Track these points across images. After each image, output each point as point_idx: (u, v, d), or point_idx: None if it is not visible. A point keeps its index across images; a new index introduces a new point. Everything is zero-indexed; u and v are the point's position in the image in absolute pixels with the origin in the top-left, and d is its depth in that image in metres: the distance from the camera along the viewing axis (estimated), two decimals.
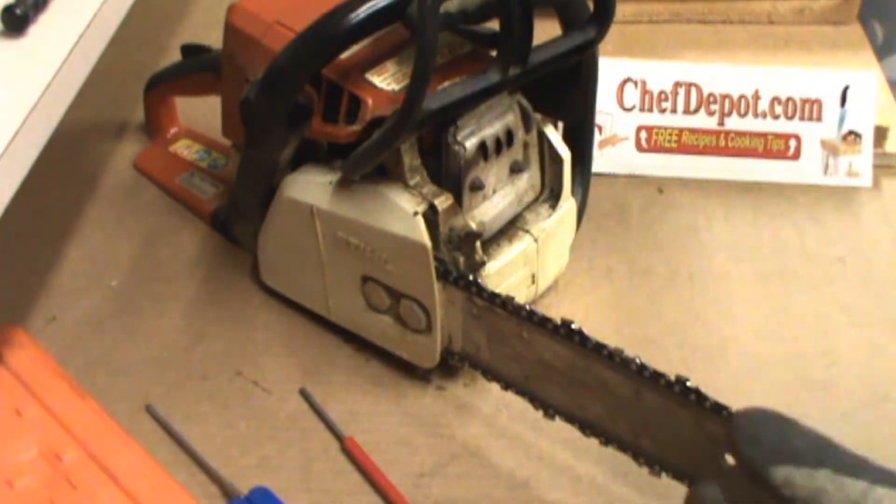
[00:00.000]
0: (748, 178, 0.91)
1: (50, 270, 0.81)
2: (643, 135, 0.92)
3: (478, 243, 0.66)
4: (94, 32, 0.70)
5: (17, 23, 0.66)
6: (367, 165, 0.64)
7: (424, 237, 0.63)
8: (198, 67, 0.87)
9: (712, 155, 0.92)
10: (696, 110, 0.92)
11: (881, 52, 1.09)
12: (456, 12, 0.63)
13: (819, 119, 0.91)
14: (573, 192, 0.74)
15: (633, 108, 0.92)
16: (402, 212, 0.64)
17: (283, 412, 0.69)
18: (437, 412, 0.69)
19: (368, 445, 0.66)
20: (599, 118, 0.83)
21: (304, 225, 0.69)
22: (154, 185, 0.90)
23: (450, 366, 0.70)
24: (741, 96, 0.92)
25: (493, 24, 0.65)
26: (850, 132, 0.91)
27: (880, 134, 0.91)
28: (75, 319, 0.76)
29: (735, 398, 0.54)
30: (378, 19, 0.62)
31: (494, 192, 0.68)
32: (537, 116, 0.70)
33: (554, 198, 0.72)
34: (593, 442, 0.62)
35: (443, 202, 0.64)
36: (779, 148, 0.91)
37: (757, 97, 0.91)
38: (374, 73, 0.65)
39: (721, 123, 0.92)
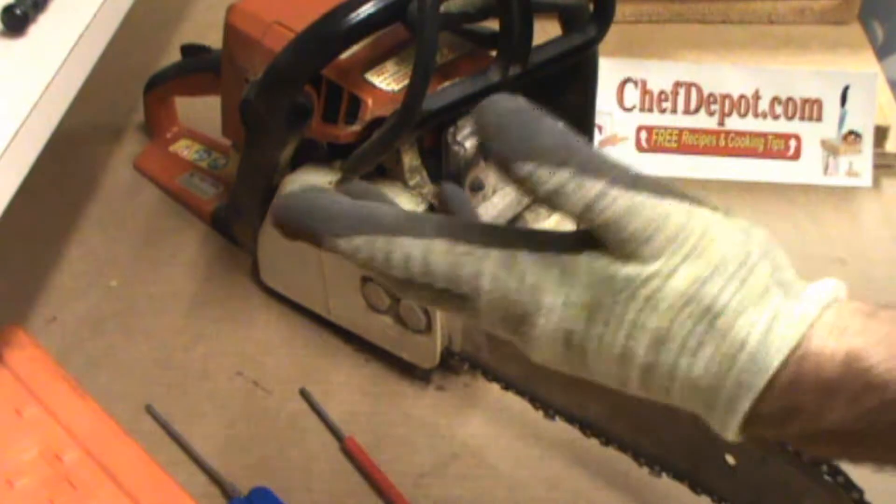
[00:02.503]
0: (748, 178, 0.91)
1: (50, 270, 0.81)
2: (643, 135, 0.92)
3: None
4: (94, 32, 0.70)
5: (17, 23, 0.66)
6: (367, 166, 0.64)
7: None
8: (198, 67, 0.87)
9: (712, 155, 0.92)
10: (696, 110, 0.92)
11: (881, 52, 1.08)
12: (456, 12, 0.63)
13: (819, 119, 0.91)
14: None
15: (633, 108, 0.92)
16: None
17: (283, 412, 0.69)
18: (437, 412, 0.69)
19: (368, 445, 0.66)
20: (599, 118, 0.83)
21: None
22: (154, 185, 0.90)
23: (450, 366, 0.70)
24: (741, 96, 0.91)
25: (493, 24, 0.65)
26: (850, 132, 0.91)
27: (880, 134, 0.91)
28: (75, 319, 0.76)
29: None
30: (378, 19, 0.62)
31: (494, 192, 0.68)
32: None
33: None
34: (593, 442, 0.62)
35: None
36: (779, 148, 0.91)
37: (757, 97, 0.91)
38: (374, 73, 0.65)
39: (721, 123, 0.92)
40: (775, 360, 0.36)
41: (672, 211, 0.39)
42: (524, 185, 0.38)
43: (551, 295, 0.39)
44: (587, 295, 0.38)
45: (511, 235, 0.40)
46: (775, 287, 0.39)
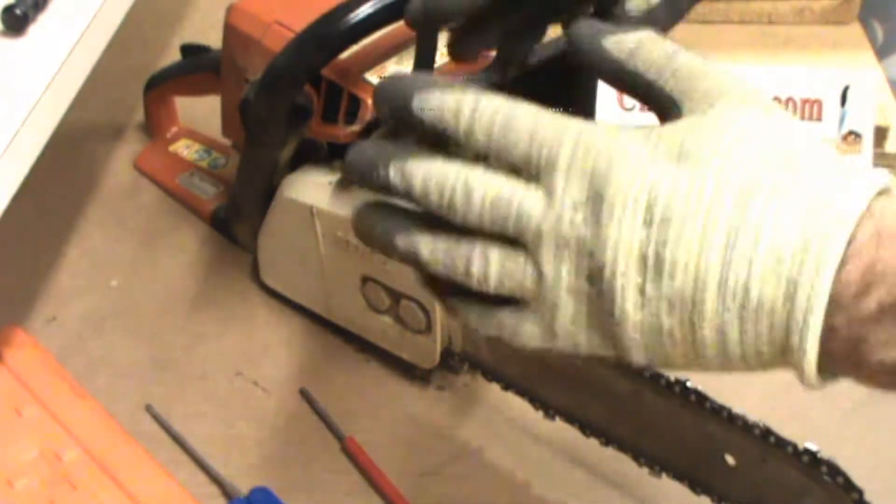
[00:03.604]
0: None
1: (50, 270, 0.81)
2: None
3: None
4: (94, 32, 0.70)
5: (17, 23, 0.66)
6: None
7: None
8: (198, 67, 0.87)
9: None
10: None
11: (881, 52, 1.08)
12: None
13: (819, 119, 0.91)
14: None
15: (633, 108, 0.92)
16: None
17: (283, 412, 0.69)
18: (437, 412, 0.69)
19: (368, 445, 0.66)
20: (599, 118, 0.83)
21: (304, 225, 0.69)
22: (154, 185, 0.90)
23: (450, 366, 0.70)
24: None
25: None
26: (850, 132, 0.91)
27: (880, 134, 0.91)
28: (75, 319, 0.76)
29: (735, 398, 0.54)
30: (377, 19, 0.62)
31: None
32: None
33: None
34: (593, 442, 0.62)
35: None
36: None
37: None
38: (373, 73, 0.65)
39: None
40: (860, 207, 0.36)
41: (734, 75, 0.42)
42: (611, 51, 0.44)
43: (635, 144, 0.40)
44: (675, 148, 0.39)
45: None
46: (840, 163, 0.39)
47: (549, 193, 0.40)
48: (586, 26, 0.45)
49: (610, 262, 0.39)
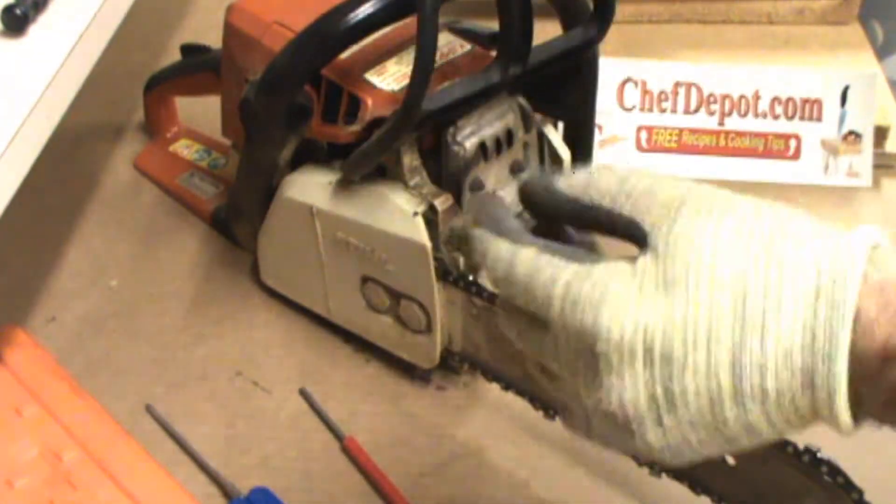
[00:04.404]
0: (748, 178, 0.91)
1: (50, 270, 0.81)
2: (643, 135, 0.92)
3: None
4: (94, 32, 0.70)
5: (17, 23, 0.66)
6: (367, 166, 0.64)
7: (424, 237, 0.63)
8: (198, 67, 0.87)
9: (712, 155, 0.92)
10: (696, 110, 0.92)
11: (881, 52, 1.08)
12: None
13: (819, 119, 0.91)
14: None
15: (633, 108, 0.92)
16: (402, 212, 0.64)
17: (283, 412, 0.70)
18: (437, 412, 0.69)
19: (368, 445, 0.66)
20: (599, 118, 0.83)
21: (304, 225, 0.69)
22: (154, 185, 0.90)
23: (450, 366, 0.70)
24: (741, 96, 0.92)
25: (493, 24, 0.65)
26: (850, 132, 0.91)
27: (880, 134, 0.91)
28: (75, 319, 0.76)
29: None
30: (378, 19, 0.62)
31: (494, 192, 0.68)
32: (537, 116, 0.70)
33: None
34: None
35: (443, 202, 0.64)
36: (779, 148, 0.91)
37: (757, 97, 0.91)
38: (373, 73, 0.65)
39: (721, 123, 0.92)
40: (859, 262, 0.37)
41: (685, 181, 0.43)
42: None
43: (623, 285, 0.40)
44: (660, 278, 0.39)
45: (588, 256, 0.43)
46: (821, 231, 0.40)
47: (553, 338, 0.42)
48: (537, 179, 0.46)
49: (618, 409, 0.40)
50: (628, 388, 0.40)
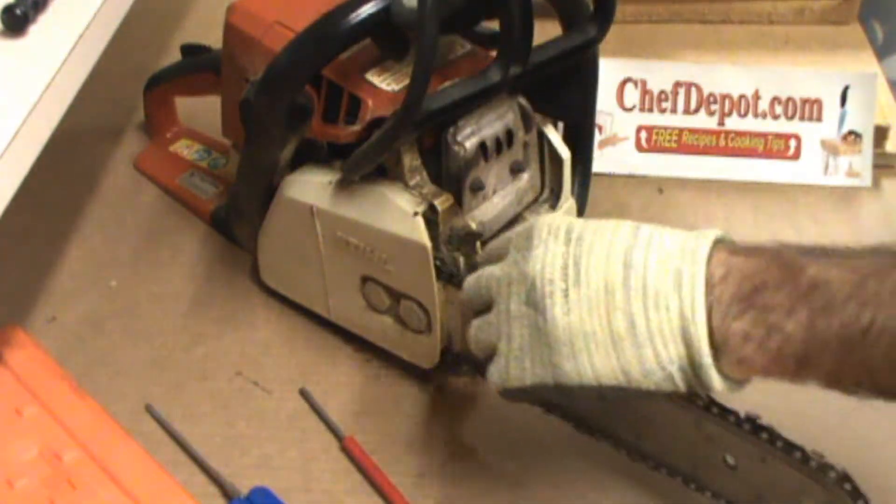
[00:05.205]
0: (748, 178, 0.91)
1: (50, 270, 0.81)
2: (643, 135, 0.92)
3: (478, 243, 0.66)
4: (94, 32, 0.70)
5: (17, 23, 0.66)
6: (367, 166, 0.64)
7: (424, 237, 0.63)
8: (198, 67, 0.87)
9: (712, 155, 0.92)
10: (696, 110, 0.92)
11: (881, 52, 1.08)
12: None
13: (819, 119, 0.91)
14: (573, 192, 0.74)
15: (633, 108, 0.92)
16: (402, 212, 0.64)
17: (283, 412, 0.70)
18: (437, 412, 0.69)
19: (368, 445, 0.66)
20: (599, 118, 0.83)
21: (304, 225, 0.69)
22: (154, 185, 0.90)
23: (450, 366, 0.70)
24: (741, 96, 0.92)
25: (494, 24, 0.65)
26: (850, 132, 0.91)
27: (880, 134, 0.91)
28: (75, 319, 0.76)
29: (735, 398, 0.54)
30: (378, 19, 0.61)
31: (494, 192, 0.68)
32: (537, 116, 0.70)
33: (554, 198, 0.72)
34: (593, 442, 0.62)
35: (443, 202, 0.64)
36: (779, 148, 0.91)
37: (757, 97, 0.91)
38: (374, 73, 0.65)
39: (721, 123, 0.92)
40: (714, 233, 0.50)
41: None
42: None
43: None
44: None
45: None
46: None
47: (505, 256, 0.54)
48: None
49: (539, 273, 0.50)
50: (550, 253, 0.51)
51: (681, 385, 0.48)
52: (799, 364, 0.46)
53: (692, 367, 0.47)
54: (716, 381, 0.47)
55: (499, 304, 0.53)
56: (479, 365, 0.67)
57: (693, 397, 0.55)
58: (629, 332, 0.48)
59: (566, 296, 0.50)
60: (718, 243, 0.49)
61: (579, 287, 0.49)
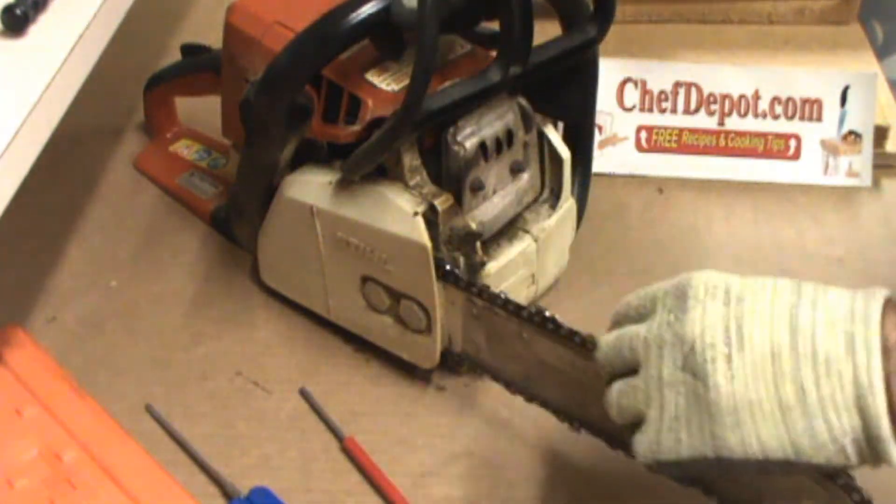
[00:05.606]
0: (748, 178, 0.91)
1: (50, 270, 0.81)
2: (643, 135, 0.92)
3: (478, 243, 0.66)
4: (94, 32, 0.70)
5: (17, 23, 0.66)
6: (367, 166, 0.64)
7: (424, 237, 0.63)
8: (198, 67, 0.87)
9: (712, 155, 0.92)
10: (696, 110, 0.92)
11: (881, 52, 1.08)
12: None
13: (819, 119, 0.91)
14: (573, 193, 0.74)
15: (633, 108, 0.92)
16: (402, 212, 0.64)
17: (283, 412, 0.70)
18: (437, 412, 0.69)
19: (368, 445, 0.66)
20: (599, 118, 0.83)
21: (304, 225, 0.69)
22: (154, 185, 0.90)
23: (450, 366, 0.70)
24: (741, 96, 0.92)
25: (494, 24, 0.65)
26: (850, 132, 0.91)
27: (880, 134, 0.91)
28: (75, 319, 0.76)
29: None
30: (378, 19, 0.62)
31: (494, 192, 0.68)
32: (537, 116, 0.70)
33: (554, 198, 0.72)
34: (593, 442, 0.62)
35: (443, 202, 0.64)
36: (779, 148, 0.91)
37: (757, 97, 0.91)
38: (374, 73, 0.65)
39: (721, 123, 0.92)
40: (883, 293, 0.46)
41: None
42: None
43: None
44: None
45: None
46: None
47: (652, 315, 0.50)
48: None
49: (699, 336, 0.47)
50: (709, 316, 0.47)
51: (853, 459, 0.45)
52: None
53: (868, 439, 0.44)
54: (894, 455, 0.44)
55: (648, 368, 0.49)
56: (479, 365, 0.67)
57: None
58: (799, 402, 0.45)
59: (729, 361, 0.46)
60: (889, 302, 0.46)
61: (743, 352, 0.46)
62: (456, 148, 0.65)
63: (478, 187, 0.67)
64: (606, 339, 0.53)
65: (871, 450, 0.44)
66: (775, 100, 0.91)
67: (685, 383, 0.47)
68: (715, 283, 0.48)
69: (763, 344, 0.46)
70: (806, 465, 0.45)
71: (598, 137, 0.89)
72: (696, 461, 0.48)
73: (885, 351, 0.44)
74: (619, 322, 0.53)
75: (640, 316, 0.51)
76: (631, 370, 0.50)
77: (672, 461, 0.49)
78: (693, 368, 0.47)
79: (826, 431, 0.44)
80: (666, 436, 0.48)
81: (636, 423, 0.50)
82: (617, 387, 0.51)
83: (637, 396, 0.50)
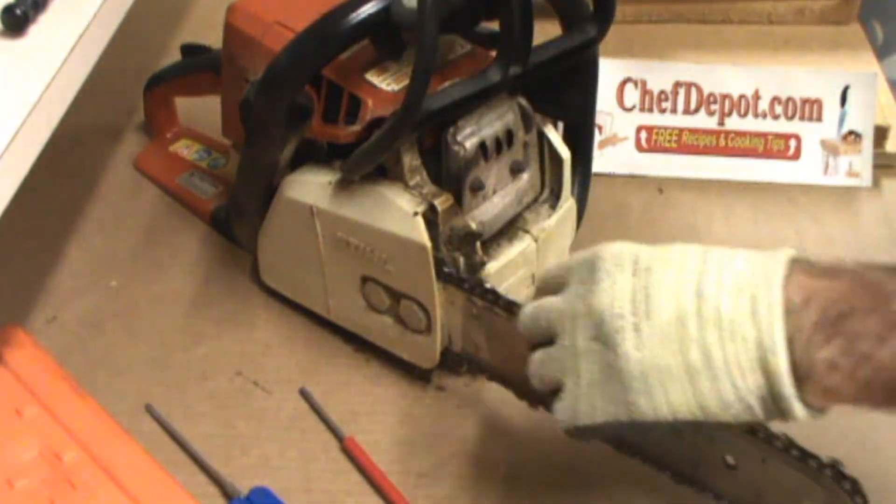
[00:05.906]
0: (748, 178, 0.91)
1: (50, 270, 0.81)
2: (643, 135, 0.92)
3: (478, 243, 0.66)
4: (94, 32, 0.70)
5: (17, 23, 0.66)
6: (367, 166, 0.64)
7: (424, 237, 0.63)
8: (198, 67, 0.87)
9: (712, 155, 0.92)
10: (696, 110, 0.92)
11: (881, 52, 1.08)
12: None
13: (819, 119, 0.91)
14: (573, 193, 0.74)
15: (633, 108, 0.92)
16: (402, 212, 0.64)
17: (283, 412, 0.70)
18: (437, 412, 0.69)
19: (368, 445, 0.66)
20: (599, 118, 0.83)
21: (304, 225, 0.69)
22: (154, 185, 0.90)
23: (450, 366, 0.70)
24: (741, 96, 0.92)
25: (494, 24, 0.65)
26: (850, 132, 0.91)
27: (880, 134, 0.91)
28: (75, 319, 0.76)
29: None
30: (378, 19, 0.62)
31: (494, 192, 0.68)
32: (537, 116, 0.70)
33: (554, 198, 0.72)
34: (593, 442, 0.62)
35: (443, 202, 0.64)
36: (779, 148, 0.91)
37: (757, 97, 0.91)
38: (374, 73, 0.65)
39: (721, 123, 0.92)
40: (788, 253, 0.47)
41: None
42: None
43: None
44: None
45: None
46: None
47: (567, 286, 0.52)
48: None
49: (608, 307, 0.48)
50: (618, 286, 0.48)
51: (760, 415, 0.46)
52: (890, 393, 0.44)
53: (772, 397, 0.46)
54: (798, 411, 0.46)
55: (563, 338, 0.51)
56: (479, 365, 0.67)
57: None
58: (705, 365, 0.46)
59: (637, 330, 0.47)
60: (794, 263, 0.47)
61: (650, 320, 0.47)
62: (456, 148, 0.65)
63: (478, 187, 0.67)
64: (526, 310, 0.55)
65: (776, 407, 0.46)
66: (775, 100, 0.91)
67: (598, 353, 0.49)
68: (624, 255, 0.50)
69: (670, 311, 0.47)
70: (714, 423, 0.47)
71: (598, 137, 0.89)
72: (611, 425, 0.50)
73: (788, 311, 0.45)
74: (540, 291, 0.55)
75: (559, 286, 0.53)
76: (549, 340, 0.53)
77: (589, 426, 0.51)
78: (604, 339, 0.48)
79: (732, 392, 0.46)
80: (583, 402, 0.50)
81: (555, 391, 0.53)
82: (537, 356, 0.53)
83: (555, 366, 0.52)
